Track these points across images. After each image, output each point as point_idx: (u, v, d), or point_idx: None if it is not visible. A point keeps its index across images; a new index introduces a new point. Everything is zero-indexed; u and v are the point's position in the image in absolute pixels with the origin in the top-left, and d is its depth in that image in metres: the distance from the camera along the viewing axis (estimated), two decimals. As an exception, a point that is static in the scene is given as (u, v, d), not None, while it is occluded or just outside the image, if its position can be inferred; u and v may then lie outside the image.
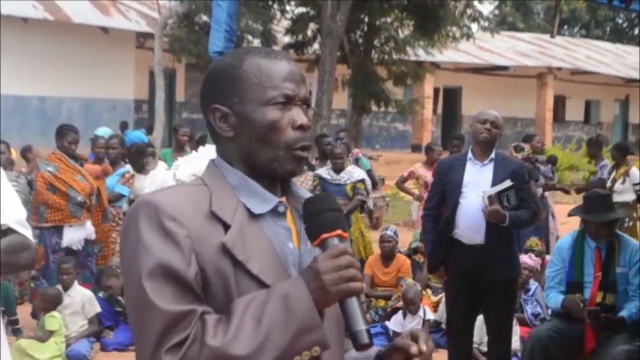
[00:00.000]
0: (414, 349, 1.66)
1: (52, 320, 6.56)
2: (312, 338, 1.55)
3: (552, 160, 11.70)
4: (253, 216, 1.69)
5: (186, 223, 1.62)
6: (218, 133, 1.75)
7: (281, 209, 1.73)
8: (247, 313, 1.55)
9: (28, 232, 2.77)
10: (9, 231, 2.71)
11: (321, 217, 1.64)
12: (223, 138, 1.75)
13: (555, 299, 5.55)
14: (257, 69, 1.72)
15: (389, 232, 8.29)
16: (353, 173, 8.52)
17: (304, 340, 1.54)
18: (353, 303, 1.58)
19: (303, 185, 8.31)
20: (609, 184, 10.08)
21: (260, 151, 1.71)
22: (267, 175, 1.73)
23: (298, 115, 1.73)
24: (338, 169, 8.48)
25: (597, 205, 5.60)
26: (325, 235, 1.62)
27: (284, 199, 1.76)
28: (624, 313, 5.37)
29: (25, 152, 10.11)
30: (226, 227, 1.65)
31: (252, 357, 1.52)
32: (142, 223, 1.62)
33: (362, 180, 8.55)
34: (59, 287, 6.86)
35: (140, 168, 8.61)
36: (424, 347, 1.66)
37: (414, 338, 1.69)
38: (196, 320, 1.56)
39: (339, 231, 1.63)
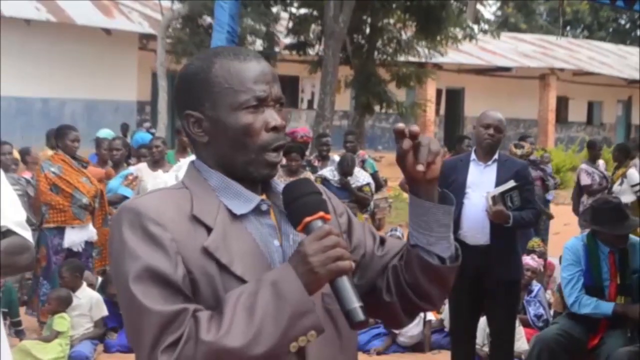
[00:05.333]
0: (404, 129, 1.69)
1: (62, 321, 6.55)
2: (307, 322, 1.54)
3: (549, 160, 11.74)
4: (235, 217, 1.69)
5: (170, 226, 1.62)
6: (194, 139, 1.75)
7: (264, 207, 1.73)
8: (238, 305, 1.54)
9: (28, 234, 2.76)
10: (9, 233, 2.70)
11: (301, 201, 1.63)
12: (198, 143, 1.75)
13: (594, 304, 5.35)
14: (227, 72, 1.71)
15: (397, 234, 8.33)
16: (359, 177, 8.50)
17: (299, 326, 1.54)
18: (344, 282, 1.57)
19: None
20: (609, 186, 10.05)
21: (236, 155, 1.71)
22: (244, 178, 1.73)
23: (271, 116, 1.72)
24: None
25: (612, 215, 5.38)
26: (308, 219, 1.61)
27: (264, 196, 1.76)
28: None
29: (24, 155, 10.08)
30: (209, 230, 1.65)
31: (248, 347, 1.51)
32: (125, 229, 1.62)
33: (368, 184, 8.57)
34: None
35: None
36: (414, 128, 1.68)
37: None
38: (189, 318, 1.56)
39: (320, 213, 1.62)
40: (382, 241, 1.89)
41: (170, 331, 1.54)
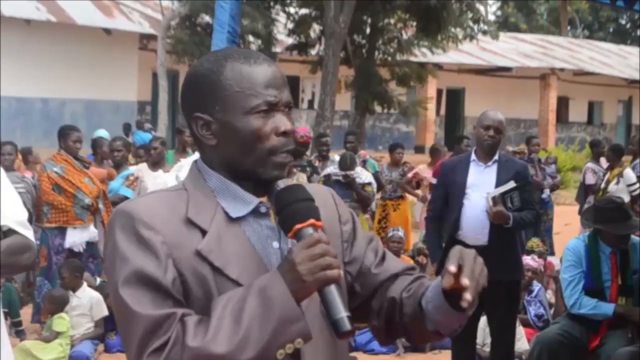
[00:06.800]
0: (447, 280, 1.62)
1: (61, 321, 6.55)
2: (294, 330, 1.54)
3: (554, 160, 11.73)
4: (233, 219, 1.68)
5: (162, 229, 1.62)
6: (201, 141, 1.73)
7: (262, 209, 1.71)
8: (226, 311, 1.54)
9: (29, 233, 2.76)
10: (10, 232, 2.70)
11: (293, 207, 1.62)
12: (206, 146, 1.73)
13: (594, 305, 5.33)
14: (239, 75, 1.69)
15: (399, 233, 8.28)
16: (361, 175, 8.60)
17: (286, 333, 1.53)
18: (331, 291, 1.57)
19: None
20: (602, 185, 10.03)
21: (244, 158, 1.70)
22: (251, 179, 1.72)
23: (281, 121, 1.70)
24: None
25: (614, 215, 5.37)
26: (298, 226, 1.60)
27: (265, 198, 1.74)
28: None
29: (26, 155, 10.08)
30: (203, 232, 1.64)
31: (233, 354, 1.51)
32: (118, 232, 1.62)
33: (370, 184, 8.66)
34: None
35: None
36: (465, 282, 1.60)
37: (460, 267, 1.63)
38: (176, 323, 1.55)
39: (311, 220, 1.61)
40: (383, 258, 1.87)
41: (157, 335, 1.54)
